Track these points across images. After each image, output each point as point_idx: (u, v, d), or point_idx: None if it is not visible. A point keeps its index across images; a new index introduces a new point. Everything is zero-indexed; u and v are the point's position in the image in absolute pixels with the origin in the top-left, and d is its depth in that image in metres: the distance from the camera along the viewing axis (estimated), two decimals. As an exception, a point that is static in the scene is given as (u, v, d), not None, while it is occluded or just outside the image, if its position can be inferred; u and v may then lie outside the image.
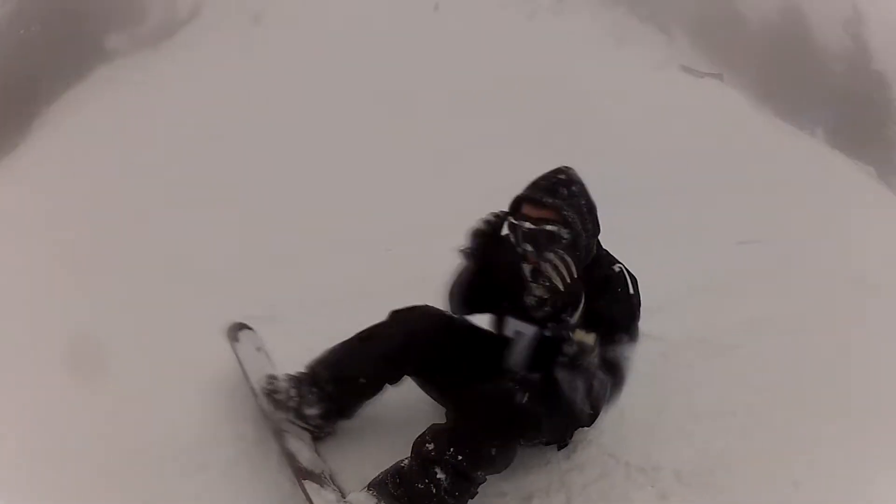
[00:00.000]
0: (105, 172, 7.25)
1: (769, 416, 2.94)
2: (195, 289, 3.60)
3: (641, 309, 2.51)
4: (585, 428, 2.64)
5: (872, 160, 27.90)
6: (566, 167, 2.46)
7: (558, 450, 2.60)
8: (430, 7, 23.72)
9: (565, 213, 2.32)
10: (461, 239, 2.62)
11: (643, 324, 3.26)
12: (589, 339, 2.10)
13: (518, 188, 2.46)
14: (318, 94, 11.17)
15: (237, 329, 2.94)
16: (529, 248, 2.33)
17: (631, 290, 2.39)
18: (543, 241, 2.30)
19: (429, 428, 2.21)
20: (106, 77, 15.63)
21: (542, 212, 2.32)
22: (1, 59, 17.15)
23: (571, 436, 2.61)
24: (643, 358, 3.09)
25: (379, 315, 2.61)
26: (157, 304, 3.70)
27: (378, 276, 4.20)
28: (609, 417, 2.73)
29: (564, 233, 2.31)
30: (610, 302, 2.31)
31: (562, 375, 2.13)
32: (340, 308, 2.94)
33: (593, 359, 2.12)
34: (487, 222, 2.55)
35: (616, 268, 2.42)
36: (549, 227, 2.30)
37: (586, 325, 2.15)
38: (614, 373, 2.24)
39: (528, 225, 2.32)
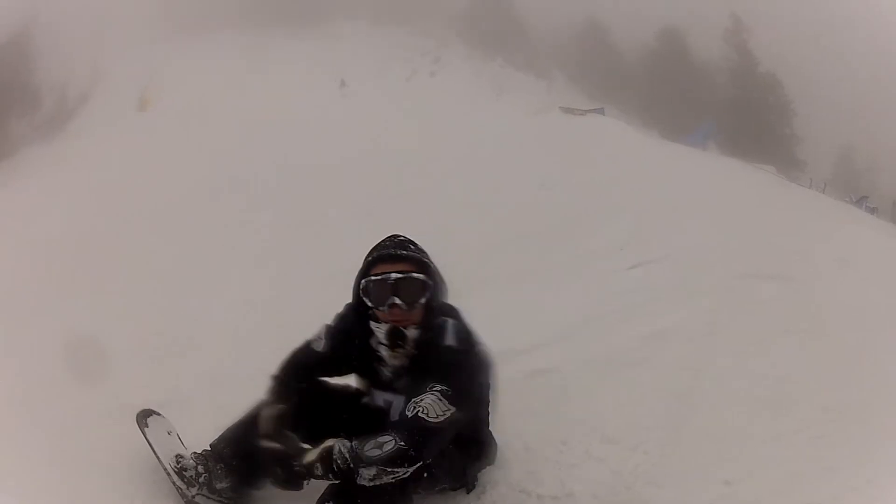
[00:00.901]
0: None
1: (689, 422, 3.00)
2: (100, 376, 3.55)
3: (536, 345, 2.62)
4: (489, 467, 2.72)
5: (771, 159, 29.55)
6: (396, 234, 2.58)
7: (467, 493, 2.67)
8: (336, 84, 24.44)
9: (424, 260, 2.47)
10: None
11: (537, 359, 3.42)
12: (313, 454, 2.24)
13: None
14: (206, 175, 11.06)
15: (146, 415, 2.94)
16: (397, 300, 2.40)
17: (449, 342, 2.42)
18: (412, 289, 2.41)
19: (327, 488, 2.30)
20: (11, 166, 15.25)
21: (398, 265, 2.43)
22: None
23: (476, 478, 2.69)
24: (541, 392, 3.23)
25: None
26: (65, 392, 3.61)
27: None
28: (514, 454, 2.84)
29: (428, 279, 2.44)
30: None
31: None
32: (243, 385, 2.99)
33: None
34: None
35: (439, 320, 2.48)
36: (415, 275, 2.41)
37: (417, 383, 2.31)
38: (421, 429, 2.22)
39: (395, 275, 2.40)
